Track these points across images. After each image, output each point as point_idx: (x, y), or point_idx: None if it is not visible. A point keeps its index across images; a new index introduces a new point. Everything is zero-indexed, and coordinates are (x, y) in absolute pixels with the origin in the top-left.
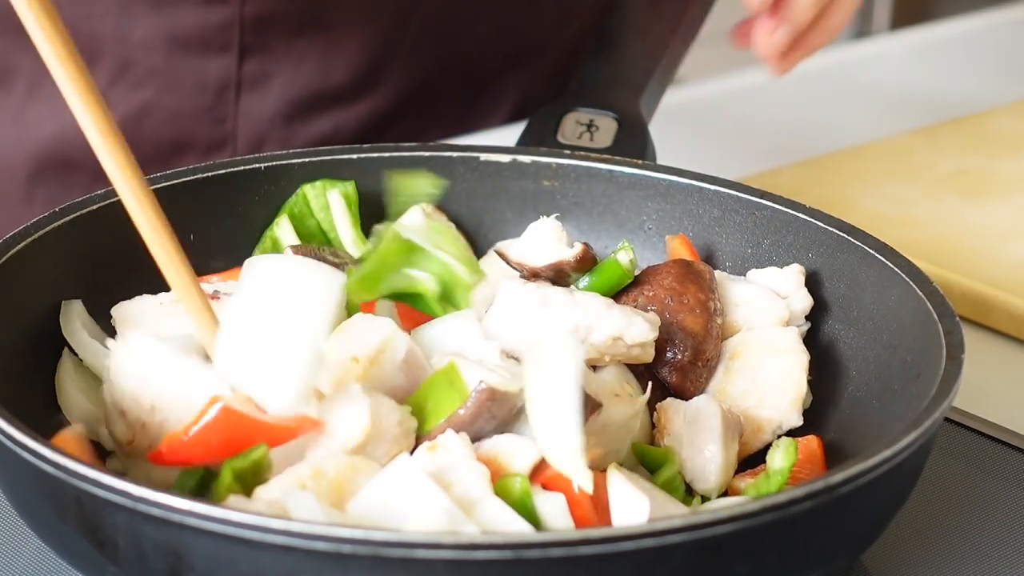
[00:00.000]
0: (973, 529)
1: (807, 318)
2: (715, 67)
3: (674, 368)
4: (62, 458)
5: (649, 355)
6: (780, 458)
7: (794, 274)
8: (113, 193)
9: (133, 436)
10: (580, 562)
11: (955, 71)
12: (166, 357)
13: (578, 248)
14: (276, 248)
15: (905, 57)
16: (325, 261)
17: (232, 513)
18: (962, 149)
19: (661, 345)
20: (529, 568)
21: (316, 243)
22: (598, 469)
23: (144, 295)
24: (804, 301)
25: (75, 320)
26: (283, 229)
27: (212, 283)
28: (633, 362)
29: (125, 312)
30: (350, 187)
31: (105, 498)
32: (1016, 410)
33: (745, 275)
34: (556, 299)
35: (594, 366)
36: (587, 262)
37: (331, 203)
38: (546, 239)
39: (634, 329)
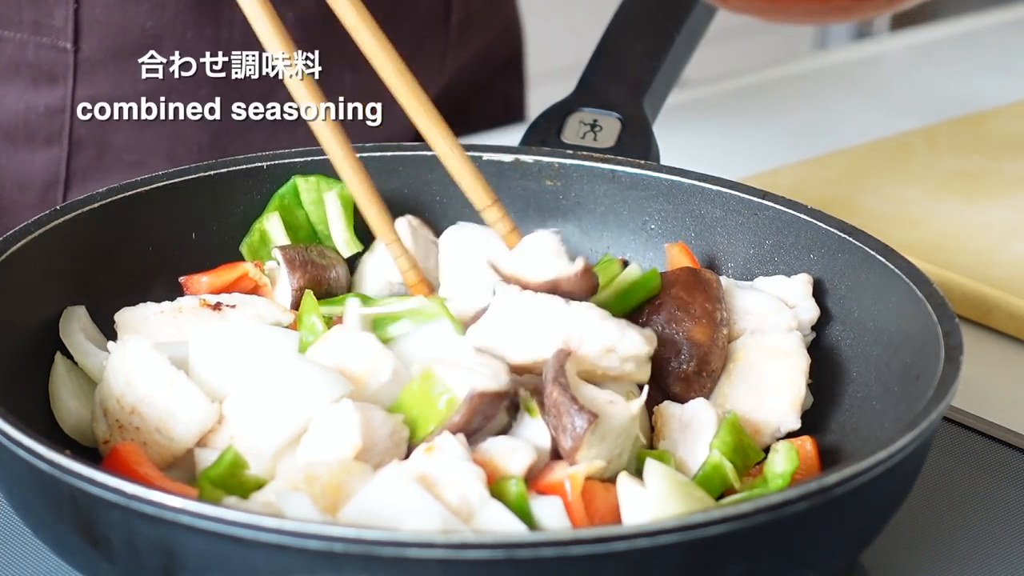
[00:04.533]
0: (973, 529)
1: None
2: (718, 67)
3: (678, 378)
4: (57, 456)
5: (645, 374)
6: (781, 462)
7: (802, 284)
8: (113, 192)
9: (110, 436)
10: (572, 562)
11: (955, 71)
12: (157, 365)
13: (580, 263)
14: (264, 241)
15: (905, 57)
16: (312, 262)
17: (225, 511)
18: (962, 149)
19: (666, 354)
20: (521, 568)
21: (304, 235)
22: (602, 480)
23: (148, 303)
24: (812, 312)
25: (73, 323)
26: (272, 222)
27: (202, 283)
28: (629, 380)
29: (127, 318)
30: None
31: (99, 496)
32: (1016, 410)
33: (749, 277)
34: (549, 308)
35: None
36: (588, 281)
37: (327, 204)
38: (544, 253)
39: (627, 342)
